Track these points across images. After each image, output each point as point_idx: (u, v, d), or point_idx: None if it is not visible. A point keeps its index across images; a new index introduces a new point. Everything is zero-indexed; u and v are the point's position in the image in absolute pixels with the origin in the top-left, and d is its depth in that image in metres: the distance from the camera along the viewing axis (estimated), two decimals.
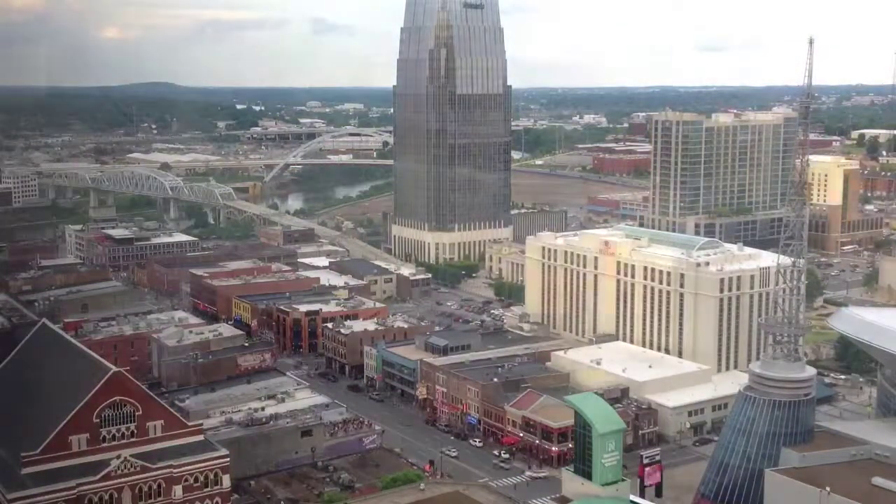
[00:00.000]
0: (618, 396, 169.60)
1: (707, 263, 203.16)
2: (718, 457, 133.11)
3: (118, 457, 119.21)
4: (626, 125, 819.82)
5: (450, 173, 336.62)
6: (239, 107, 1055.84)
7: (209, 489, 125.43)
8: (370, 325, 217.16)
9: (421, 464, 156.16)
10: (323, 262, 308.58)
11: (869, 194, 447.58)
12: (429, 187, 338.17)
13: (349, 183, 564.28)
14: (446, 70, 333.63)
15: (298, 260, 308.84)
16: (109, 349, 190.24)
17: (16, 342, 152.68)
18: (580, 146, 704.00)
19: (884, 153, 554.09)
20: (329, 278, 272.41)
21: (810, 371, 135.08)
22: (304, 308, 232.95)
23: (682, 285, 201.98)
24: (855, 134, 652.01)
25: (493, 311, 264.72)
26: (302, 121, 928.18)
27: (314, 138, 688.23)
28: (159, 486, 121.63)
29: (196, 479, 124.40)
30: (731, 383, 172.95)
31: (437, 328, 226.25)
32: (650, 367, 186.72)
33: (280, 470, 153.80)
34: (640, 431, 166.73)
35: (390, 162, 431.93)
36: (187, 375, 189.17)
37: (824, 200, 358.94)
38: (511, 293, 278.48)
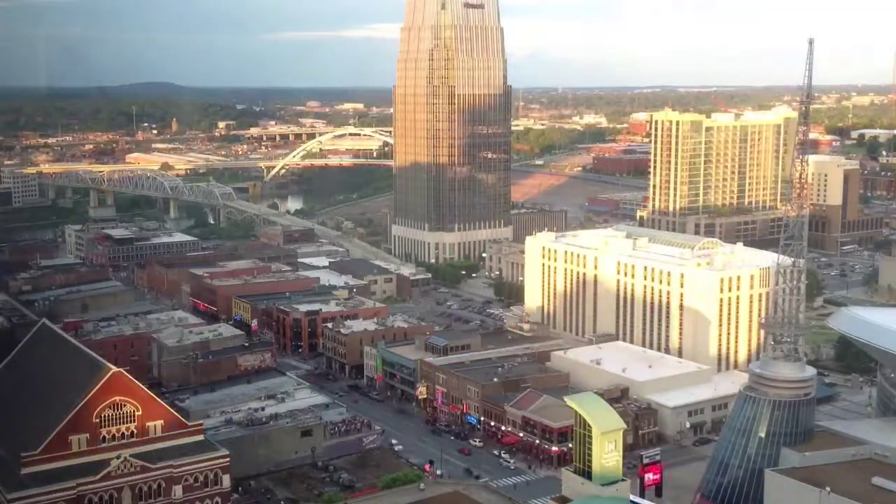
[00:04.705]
0: (618, 396, 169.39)
1: (707, 263, 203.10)
2: (718, 457, 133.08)
3: (118, 457, 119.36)
4: (626, 125, 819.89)
5: (450, 173, 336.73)
6: (239, 107, 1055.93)
7: (209, 489, 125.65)
8: (370, 325, 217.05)
9: (421, 464, 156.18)
10: (323, 262, 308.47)
11: (869, 194, 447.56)
12: (429, 187, 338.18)
13: (349, 183, 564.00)
14: (446, 70, 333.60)
15: (298, 260, 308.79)
16: (109, 349, 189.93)
17: (16, 342, 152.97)
18: (580, 146, 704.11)
19: (884, 153, 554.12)
20: (329, 278, 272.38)
21: (810, 371, 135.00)
22: (304, 308, 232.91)
23: (681, 285, 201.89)
24: (855, 134, 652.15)
25: (492, 312, 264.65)
26: (302, 121, 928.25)
27: (314, 138, 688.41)
28: (159, 486, 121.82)
29: (196, 479, 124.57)
30: (731, 383, 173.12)
31: (437, 328, 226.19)
32: (650, 367, 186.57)
33: (280, 470, 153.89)
34: (640, 431, 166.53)
35: (390, 162, 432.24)
36: (187, 375, 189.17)
37: (824, 200, 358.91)
38: (511, 293, 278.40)
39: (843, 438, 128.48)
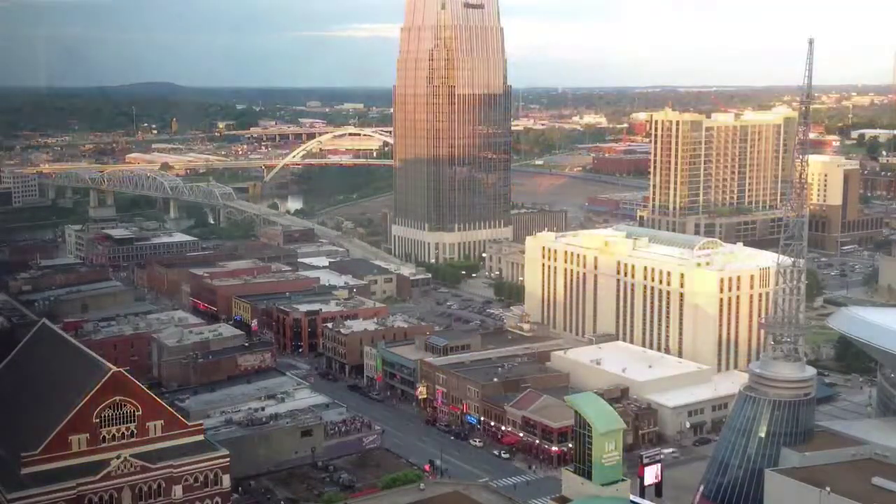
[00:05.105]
0: (618, 396, 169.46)
1: (707, 263, 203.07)
2: (718, 457, 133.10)
3: (118, 457, 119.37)
4: (626, 125, 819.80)
5: (450, 173, 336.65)
6: (239, 107, 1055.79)
7: (209, 489, 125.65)
8: (370, 325, 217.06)
9: (421, 464, 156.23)
10: (323, 262, 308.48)
11: (869, 194, 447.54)
12: (429, 187, 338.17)
13: (349, 183, 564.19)
14: (446, 70, 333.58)
15: (298, 260, 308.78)
16: (109, 349, 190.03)
17: (16, 342, 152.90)
18: (580, 146, 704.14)
19: (884, 153, 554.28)
20: (329, 278, 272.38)
21: (810, 371, 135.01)
22: (304, 308, 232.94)
23: (682, 285, 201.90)
24: (855, 134, 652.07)
25: (492, 312, 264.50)
26: (302, 121, 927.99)
27: (314, 138, 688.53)
28: (159, 486, 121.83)
29: (196, 479, 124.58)
30: (731, 383, 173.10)
31: (437, 328, 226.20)
32: (650, 367, 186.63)
33: (280, 470, 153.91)
34: (640, 431, 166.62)
35: (390, 162, 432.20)
36: (187, 375, 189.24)
37: (824, 200, 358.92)
38: (511, 293, 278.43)
39: (843, 438, 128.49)
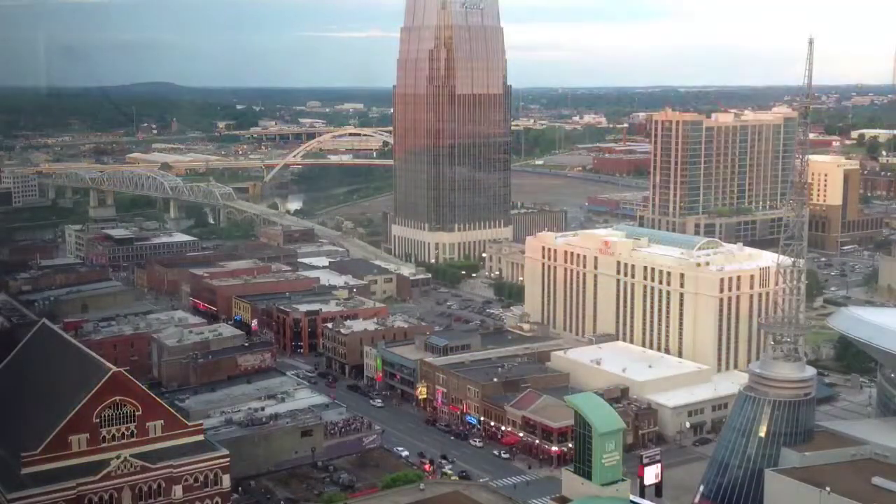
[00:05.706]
0: (618, 396, 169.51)
1: (707, 263, 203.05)
2: (718, 457, 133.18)
3: (118, 457, 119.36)
4: (626, 125, 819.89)
5: (450, 173, 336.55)
6: (239, 107, 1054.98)
7: (209, 489, 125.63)
8: (370, 325, 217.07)
9: (421, 464, 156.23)
10: (323, 262, 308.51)
11: (869, 194, 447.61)
12: (429, 187, 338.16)
13: (349, 183, 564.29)
14: (446, 70, 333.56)
15: (298, 260, 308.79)
16: (109, 349, 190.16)
17: (16, 342, 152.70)
18: (580, 146, 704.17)
19: (884, 153, 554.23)
20: (329, 278, 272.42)
21: (810, 371, 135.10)
22: (304, 308, 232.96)
23: (682, 285, 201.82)
24: (855, 134, 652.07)
25: (492, 312, 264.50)
26: (302, 121, 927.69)
27: (314, 138, 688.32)
28: (159, 486, 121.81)
29: (196, 479, 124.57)
30: (731, 383, 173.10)
31: (437, 328, 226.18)
32: (650, 367, 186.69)
33: (280, 470, 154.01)
34: (640, 431, 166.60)
35: (390, 162, 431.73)
36: (187, 375, 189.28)
37: (824, 200, 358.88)
38: (511, 293, 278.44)
39: (843, 438, 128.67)
